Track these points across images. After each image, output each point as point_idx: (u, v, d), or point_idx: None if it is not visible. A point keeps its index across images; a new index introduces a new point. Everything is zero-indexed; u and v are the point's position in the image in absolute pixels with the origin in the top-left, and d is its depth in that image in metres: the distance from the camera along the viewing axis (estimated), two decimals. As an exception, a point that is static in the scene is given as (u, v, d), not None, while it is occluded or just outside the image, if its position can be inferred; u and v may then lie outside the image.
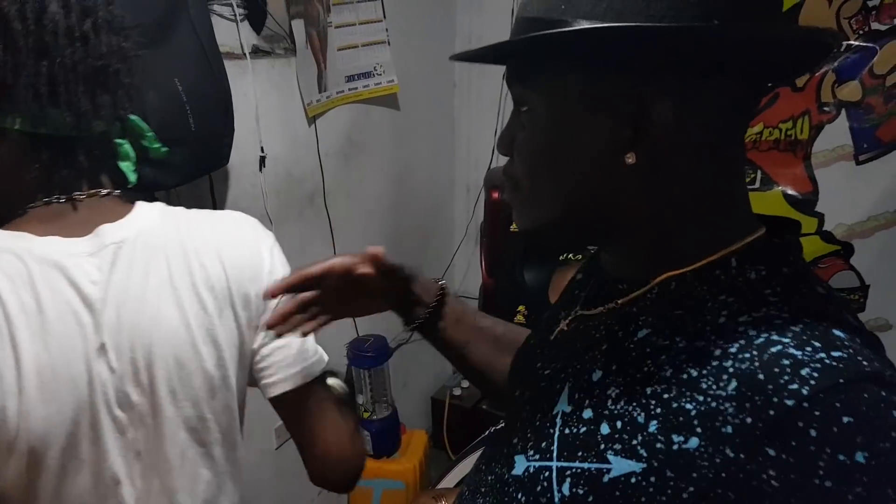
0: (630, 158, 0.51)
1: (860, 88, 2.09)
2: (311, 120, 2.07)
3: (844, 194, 2.15)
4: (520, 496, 0.56)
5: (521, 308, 2.40)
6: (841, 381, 0.42)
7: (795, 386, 0.42)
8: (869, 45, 2.06)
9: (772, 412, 0.42)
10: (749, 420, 0.43)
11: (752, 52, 0.50)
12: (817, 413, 0.41)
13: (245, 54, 1.80)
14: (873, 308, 2.19)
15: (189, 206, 1.68)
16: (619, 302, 0.59)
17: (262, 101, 1.86)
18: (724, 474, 0.43)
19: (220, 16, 1.73)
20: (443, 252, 2.99)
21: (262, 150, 1.89)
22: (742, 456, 0.43)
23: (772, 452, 0.42)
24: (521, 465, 0.58)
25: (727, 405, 0.44)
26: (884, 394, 0.42)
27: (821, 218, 2.21)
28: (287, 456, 2.20)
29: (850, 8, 2.07)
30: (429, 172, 2.73)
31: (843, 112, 2.13)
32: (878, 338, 0.51)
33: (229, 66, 1.62)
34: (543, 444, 0.56)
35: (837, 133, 2.14)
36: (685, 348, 0.49)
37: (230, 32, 1.76)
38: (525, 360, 0.74)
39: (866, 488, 0.40)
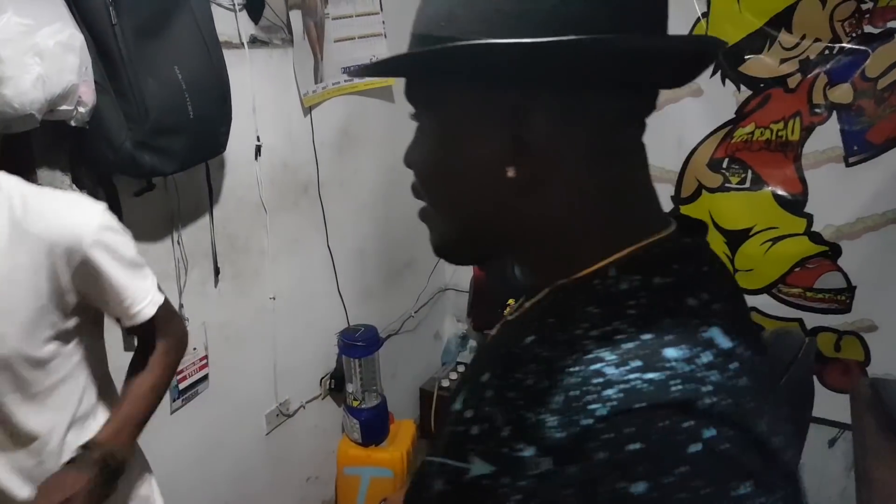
0: (510, 172, 0.50)
1: (852, 91, 2.12)
2: (307, 110, 2.08)
3: (834, 196, 2.18)
4: (419, 489, 0.61)
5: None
6: (639, 405, 0.41)
7: (597, 406, 0.42)
8: (861, 48, 2.08)
9: (575, 430, 0.42)
10: (562, 435, 0.43)
11: (626, 64, 0.48)
12: (607, 436, 0.40)
13: (243, 44, 1.81)
14: (859, 309, 2.22)
15: (186, 193, 1.70)
16: (515, 311, 0.61)
17: (259, 90, 1.87)
18: (544, 487, 0.44)
19: (219, 5, 1.74)
20: (436, 244, 3.00)
21: (258, 140, 1.90)
22: (556, 470, 0.43)
23: (571, 469, 0.42)
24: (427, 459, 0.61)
25: (553, 419, 0.44)
26: (684, 424, 0.40)
27: (810, 219, 2.23)
28: (277, 441, 2.23)
29: (843, 11, 2.09)
30: (423, 165, 2.73)
31: (835, 114, 2.16)
32: (759, 363, 0.48)
33: (227, 55, 1.63)
34: (439, 440, 0.59)
35: (828, 135, 2.17)
36: (546, 358, 0.49)
37: (229, 22, 1.77)
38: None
39: None
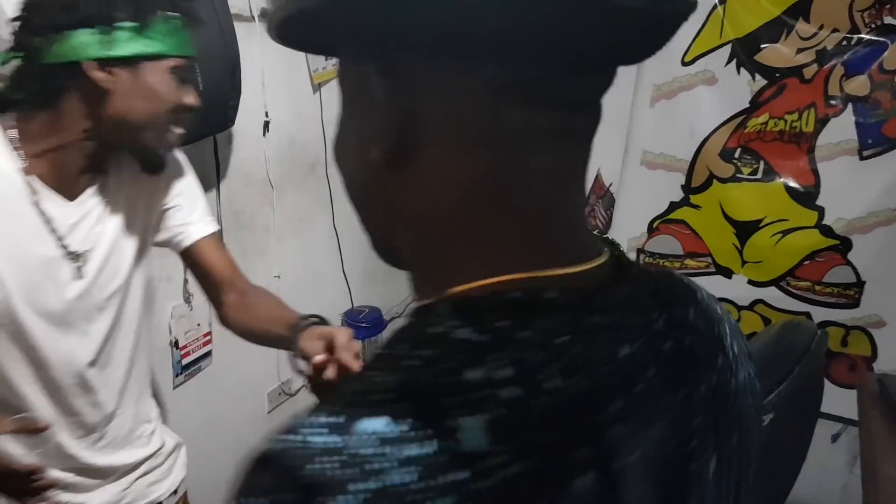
0: (374, 152, 0.41)
1: (868, 83, 2.08)
2: (317, 87, 2.06)
3: (846, 189, 2.15)
4: None
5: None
6: (263, 456, 0.35)
7: None
8: (881, 39, 2.05)
9: None
10: None
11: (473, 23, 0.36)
12: None
13: (253, 17, 1.78)
14: (868, 305, 2.20)
15: (193, 167, 1.69)
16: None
17: (269, 65, 1.85)
18: None
19: (231, -23, 1.71)
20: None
21: (267, 115, 1.88)
22: None
23: None
24: None
25: None
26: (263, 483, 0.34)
27: (821, 212, 2.21)
28: (279, 420, 2.22)
29: (863, 1, 2.05)
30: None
31: (850, 106, 2.13)
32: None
33: (237, 28, 1.61)
34: None
35: (843, 127, 2.14)
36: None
37: (239, -7, 1.75)
38: None
39: None
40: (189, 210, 1.20)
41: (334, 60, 2.10)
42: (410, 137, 0.40)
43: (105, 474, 1.16)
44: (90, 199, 1.04)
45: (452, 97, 0.39)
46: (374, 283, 2.56)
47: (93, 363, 1.08)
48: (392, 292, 2.72)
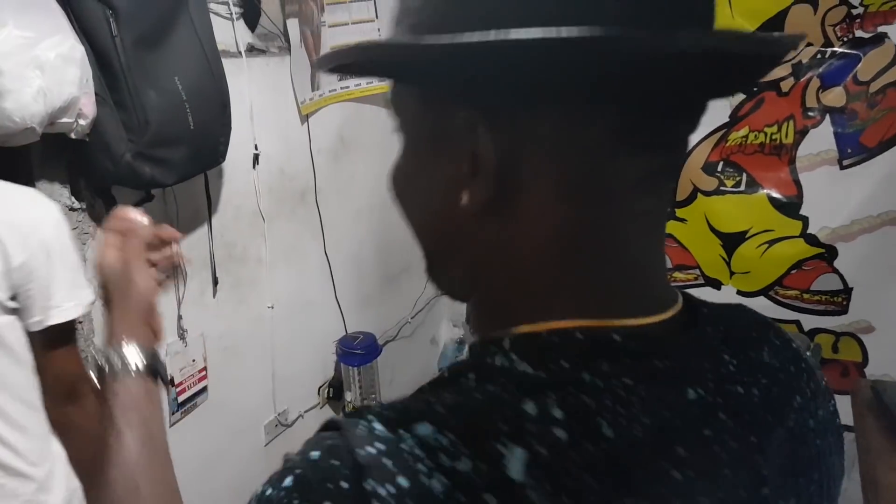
0: (465, 198, 0.40)
1: (844, 94, 2.13)
2: (304, 118, 2.07)
3: (829, 198, 2.19)
4: None
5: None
6: (334, 423, 0.38)
7: None
8: (853, 52, 2.10)
9: None
10: None
11: (596, 73, 0.36)
12: None
13: (240, 52, 1.80)
14: (856, 310, 2.23)
15: (185, 203, 1.69)
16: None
17: (257, 98, 1.86)
18: None
19: (216, 14, 1.73)
20: (431, 250, 3.00)
21: (256, 148, 1.89)
22: None
23: None
24: None
25: None
26: (339, 474, 0.35)
27: (805, 221, 2.25)
28: (276, 452, 2.21)
29: (834, 16, 2.10)
30: (419, 171, 2.73)
31: (828, 117, 2.17)
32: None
33: (225, 63, 1.62)
34: None
35: (822, 138, 2.18)
36: None
37: (226, 30, 1.76)
38: None
39: None
40: (65, 285, 1.11)
41: (320, 91, 2.10)
42: (509, 188, 0.39)
43: None
44: None
45: (560, 146, 0.38)
46: (367, 308, 2.56)
47: None
48: (385, 316, 2.72)
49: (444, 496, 0.33)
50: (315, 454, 0.36)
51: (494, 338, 0.41)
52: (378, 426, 0.36)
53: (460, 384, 0.39)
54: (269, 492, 0.36)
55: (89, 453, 1.13)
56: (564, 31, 0.33)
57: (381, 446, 0.35)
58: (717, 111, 2.30)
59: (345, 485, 0.34)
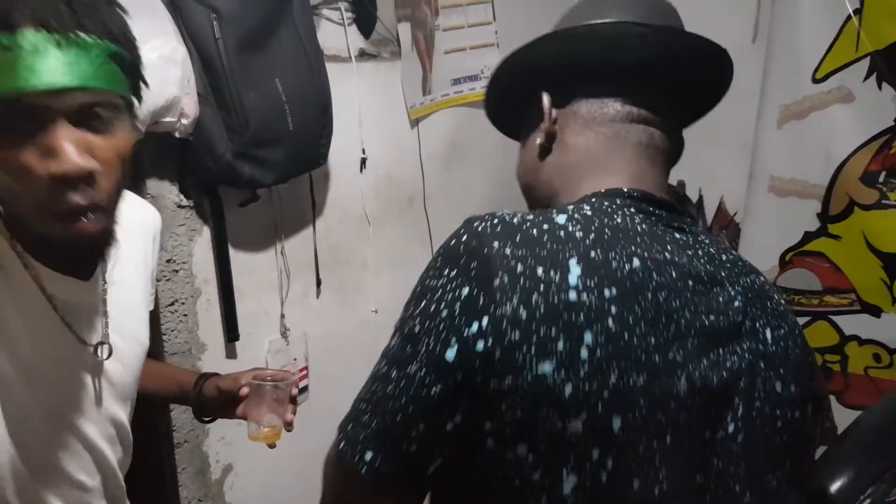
0: (539, 139, 0.76)
1: None
2: (414, 123, 2.06)
3: None
4: None
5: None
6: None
7: None
8: None
9: None
10: None
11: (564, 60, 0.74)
12: None
13: (351, 57, 1.82)
14: None
15: (290, 204, 1.73)
16: None
17: (366, 103, 1.87)
18: None
19: (328, 19, 1.76)
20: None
21: (364, 152, 1.90)
22: None
23: None
24: None
25: None
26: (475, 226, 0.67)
27: None
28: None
29: None
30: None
31: None
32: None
33: (334, 68, 1.64)
34: None
35: None
36: None
37: (338, 36, 1.79)
38: None
39: None
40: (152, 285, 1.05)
41: (432, 95, 2.13)
42: (556, 128, 0.75)
43: None
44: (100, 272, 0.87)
45: (578, 104, 0.75)
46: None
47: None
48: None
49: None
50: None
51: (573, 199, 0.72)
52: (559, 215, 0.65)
53: (573, 206, 0.67)
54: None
55: None
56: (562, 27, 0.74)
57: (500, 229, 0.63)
58: (879, 115, 2.02)
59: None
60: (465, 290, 0.57)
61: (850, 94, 2.05)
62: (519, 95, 0.77)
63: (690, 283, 0.61)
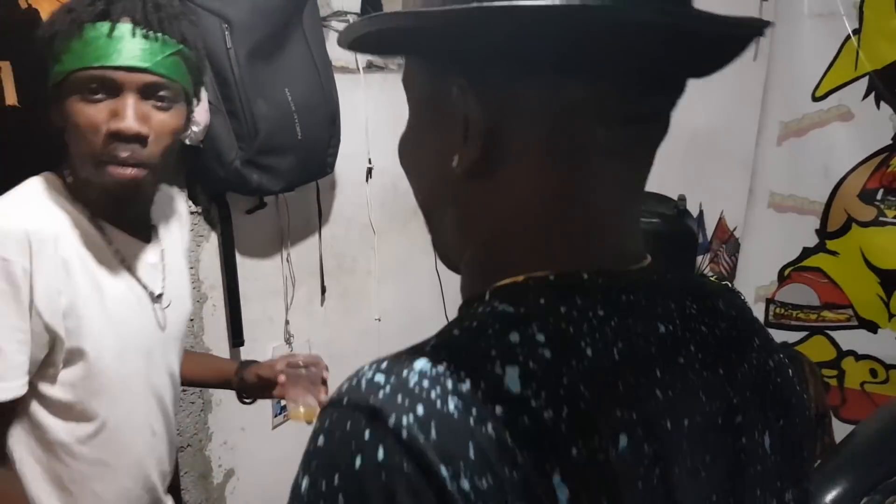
0: (455, 160, 0.44)
1: None
2: (420, 134, 2.09)
3: None
4: None
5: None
6: (345, 400, 0.39)
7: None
8: None
9: None
10: None
11: (569, 43, 0.39)
12: (314, 426, 0.40)
13: (358, 69, 1.85)
14: None
15: (296, 212, 1.75)
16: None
17: (373, 114, 1.90)
18: None
19: (337, 31, 1.79)
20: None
21: (370, 162, 1.93)
22: None
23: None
24: None
25: None
26: (367, 434, 0.36)
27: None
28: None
29: None
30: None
31: None
32: (549, 422, 0.38)
33: (343, 79, 1.67)
34: None
35: None
36: None
37: (346, 47, 1.82)
38: None
39: None
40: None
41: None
42: (494, 152, 0.44)
43: None
44: (156, 238, 1.04)
45: (538, 115, 0.43)
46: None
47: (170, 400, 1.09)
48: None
49: (459, 415, 0.36)
50: (324, 434, 0.38)
51: (477, 294, 0.46)
52: (378, 376, 0.39)
53: (443, 332, 0.43)
54: (303, 486, 0.38)
55: None
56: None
57: (389, 388, 0.37)
58: (877, 133, 2.05)
59: (367, 434, 0.36)
60: None
61: (848, 112, 2.08)
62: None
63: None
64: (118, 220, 0.96)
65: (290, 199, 1.72)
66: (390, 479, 0.35)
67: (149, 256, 1.01)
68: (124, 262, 0.97)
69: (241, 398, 1.27)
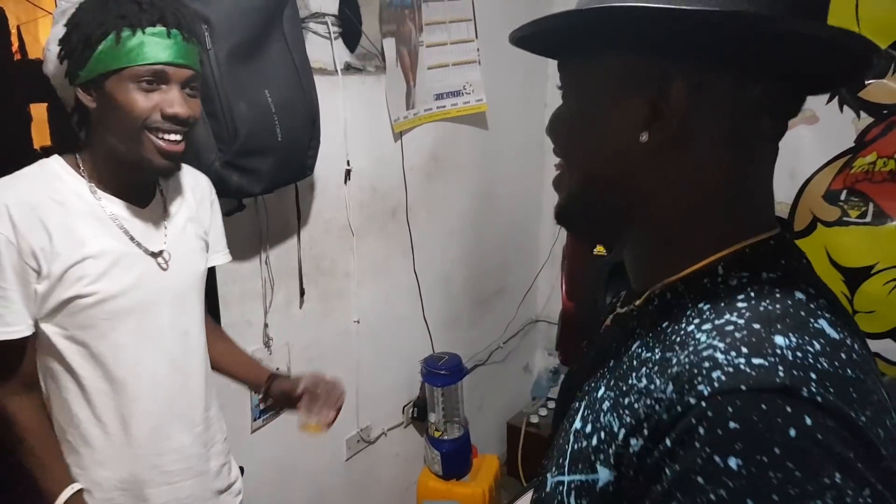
0: (644, 136, 0.53)
1: None
2: (398, 136, 2.09)
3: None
4: None
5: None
6: (743, 387, 0.42)
7: (702, 387, 0.44)
8: None
9: (679, 408, 0.44)
10: (666, 416, 0.45)
11: (774, 48, 0.50)
12: (710, 413, 0.42)
13: (337, 71, 1.85)
14: None
15: (275, 214, 1.74)
16: (620, 312, 0.63)
17: (351, 116, 1.90)
18: (649, 464, 0.46)
19: (315, 33, 1.79)
20: (525, 274, 2.95)
21: (349, 164, 1.93)
22: (654, 445, 0.46)
23: (668, 443, 0.44)
24: (549, 482, 0.58)
25: (661, 405, 0.46)
26: (788, 409, 0.41)
27: (942, 257, 2.00)
28: (357, 468, 2.21)
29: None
30: (515, 193, 2.71)
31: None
32: (865, 357, 0.48)
33: (321, 81, 1.66)
34: (561, 460, 0.58)
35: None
36: (659, 359, 0.51)
37: (324, 49, 1.82)
38: (569, 381, 0.71)
39: (730, 494, 0.40)
40: (218, 236, 1.34)
41: (415, 110, 2.14)
42: (685, 133, 0.53)
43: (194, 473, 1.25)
44: (158, 205, 1.19)
45: (727, 106, 0.52)
46: (454, 329, 2.54)
47: (176, 357, 1.20)
48: (475, 339, 2.68)
49: (835, 370, 0.45)
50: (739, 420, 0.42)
51: (704, 266, 0.54)
52: (756, 360, 0.44)
53: (747, 310, 0.49)
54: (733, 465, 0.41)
55: None
56: (719, 6, 0.48)
57: (782, 368, 0.43)
58: (841, 135, 2.11)
59: (788, 409, 0.41)
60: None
61: (813, 115, 2.14)
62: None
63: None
64: (119, 189, 1.12)
65: (269, 201, 1.71)
66: (825, 439, 0.40)
67: (147, 218, 1.15)
68: (117, 222, 1.11)
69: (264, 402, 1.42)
